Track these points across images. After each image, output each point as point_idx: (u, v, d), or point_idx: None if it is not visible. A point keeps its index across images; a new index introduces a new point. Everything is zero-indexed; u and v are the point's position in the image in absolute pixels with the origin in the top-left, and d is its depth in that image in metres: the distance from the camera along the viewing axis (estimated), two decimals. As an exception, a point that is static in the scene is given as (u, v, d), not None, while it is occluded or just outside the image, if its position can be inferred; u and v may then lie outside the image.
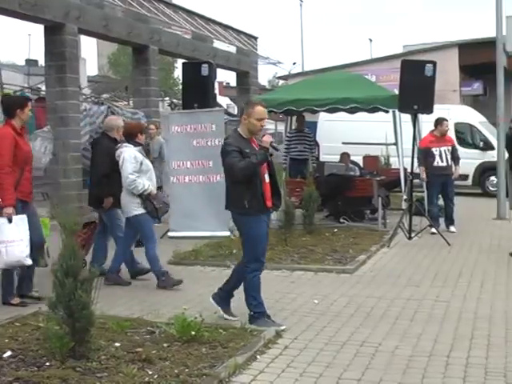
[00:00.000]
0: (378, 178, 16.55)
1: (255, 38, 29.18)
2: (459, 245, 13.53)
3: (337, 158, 18.39)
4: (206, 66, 15.34)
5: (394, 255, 12.57)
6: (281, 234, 12.85)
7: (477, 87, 39.70)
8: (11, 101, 9.30)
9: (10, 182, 8.61)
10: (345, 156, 17.84)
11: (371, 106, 15.85)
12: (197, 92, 15.06)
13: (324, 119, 23.54)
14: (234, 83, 29.11)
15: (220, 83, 41.40)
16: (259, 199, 7.83)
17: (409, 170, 14.91)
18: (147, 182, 9.95)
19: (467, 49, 36.59)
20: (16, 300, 8.96)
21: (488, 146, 23.50)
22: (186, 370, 6.31)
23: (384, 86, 18.76)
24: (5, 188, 8.58)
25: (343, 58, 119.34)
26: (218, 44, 25.16)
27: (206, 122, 14.76)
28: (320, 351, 7.16)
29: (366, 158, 20.62)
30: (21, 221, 8.68)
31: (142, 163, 10.03)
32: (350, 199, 16.05)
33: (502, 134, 17.77)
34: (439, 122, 15.26)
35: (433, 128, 15.33)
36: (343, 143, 21.72)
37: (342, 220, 15.91)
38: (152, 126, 15.69)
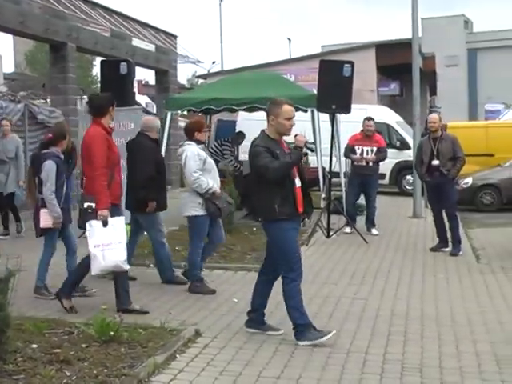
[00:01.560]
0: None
1: (174, 37, 29.09)
2: (376, 243, 13.73)
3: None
4: (124, 64, 15.17)
5: (312, 253, 12.67)
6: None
7: (393, 88, 40.35)
8: (103, 99, 8.86)
9: (104, 185, 8.26)
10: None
11: (290, 105, 15.92)
12: (115, 90, 14.78)
13: (243, 118, 23.57)
14: (153, 82, 28.94)
15: (139, 81, 41.15)
16: (290, 204, 7.35)
17: (327, 169, 15.05)
18: (211, 181, 9.60)
19: (384, 50, 37.15)
20: (134, 306, 8.54)
21: (404, 146, 23.87)
22: (105, 371, 6.27)
23: (303, 86, 18.88)
24: (99, 190, 8.23)
25: (263, 57, 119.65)
26: (136, 42, 24.99)
27: (124, 120, 14.60)
28: (239, 349, 7.18)
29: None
30: (118, 223, 8.37)
31: (205, 161, 9.67)
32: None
33: (417, 134, 18.08)
34: (363, 121, 15.42)
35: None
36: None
37: (260, 219, 15.93)
38: (5, 123, 15.01)
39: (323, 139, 15.85)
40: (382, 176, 22.12)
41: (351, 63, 14.71)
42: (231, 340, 7.50)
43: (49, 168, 9.23)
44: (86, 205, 8.35)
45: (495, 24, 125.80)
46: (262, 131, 7.65)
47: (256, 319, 7.81)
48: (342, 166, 16.85)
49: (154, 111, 28.42)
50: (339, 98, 14.28)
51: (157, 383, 6.18)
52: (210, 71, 47.65)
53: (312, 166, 19.25)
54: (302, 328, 7.36)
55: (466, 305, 9.06)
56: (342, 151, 15.87)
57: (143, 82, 46.85)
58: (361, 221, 15.46)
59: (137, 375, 6.15)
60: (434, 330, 7.88)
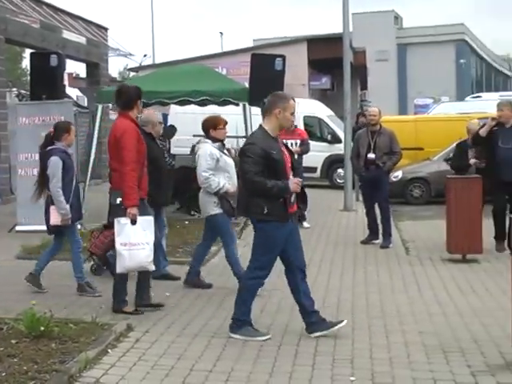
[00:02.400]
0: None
1: (106, 29, 28.81)
2: (308, 236, 13.79)
3: (188, 150, 18.37)
4: (54, 56, 15.03)
5: (244, 245, 12.67)
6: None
7: (325, 82, 40.59)
8: (132, 91, 8.53)
9: (134, 181, 7.99)
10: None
11: (222, 98, 15.92)
12: (45, 83, 14.75)
13: (175, 112, 23.45)
14: (83, 74, 28.64)
15: (69, 74, 40.63)
16: (280, 205, 7.18)
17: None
18: (223, 180, 9.27)
19: (316, 44, 37.34)
20: (129, 308, 8.32)
21: (335, 139, 24.06)
22: (35, 367, 6.21)
23: (234, 79, 18.89)
24: (130, 186, 7.95)
25: (195, 50, 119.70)
26: (67, 34, 24.68)
27: (54, 113, 14.49)
28: (172, 343, 7.18)
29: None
30: (147, 223, 8.15)
31: (218, 160, 9.33)
32: (202, 191, 16.11)
33: (348, 128, 18.27)
34: None
35: None
36: (194, 136, 21.70)
37: (193, 212, 15.94)
38: None
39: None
40: (314, 169, 22.30)
41: (283, 57, 14.78)
42: (163, 334, 7.49)
43: (54, 164, 9.04)
44: (118, 200, 8.08)
45: (424, 20, 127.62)
46: (261, 127, 7.45)
47: (316, 321, 7.51)
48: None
49: (85, 104, 28.15)
50: (271, 92, 14.27)
51: (88, 378, 6.14)
52: (142, 64, 47.38)
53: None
54: (241, 323, 7.39)
55: (395, 296, 9.19)
56: None
57: (74, 75, 46.31)
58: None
59: (68, 371, 6.11)
60: (365, 322, 7.97)
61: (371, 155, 12.74)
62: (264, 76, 14.33)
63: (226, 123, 9.64)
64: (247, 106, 15.78)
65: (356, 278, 10.32)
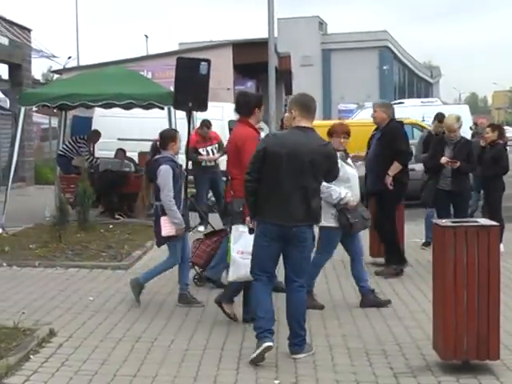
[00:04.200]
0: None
1: (29, 31, 28.37)
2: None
3: (112, 153, 18.25)
4: (-25, 57, 14.78)
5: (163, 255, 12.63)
6: (55, 230, 12.60)
7: (250, 86, 40.61)
8: (252, 98, 8.35)
9: None
10: (120, 152, 17.73)
11: (146, 102, 15.85)
12: (-34, 84, 14.50)
13: (99, 115, 23.20)
14: (6, 76, 28.20)
15: (-9, 75, 39.90)
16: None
17: (184, 167, 15.04)
18: (344, 191, 8.69)
19: (241, 48, 37.37)
20: (229, 308, 8.09)
21: (260, 144, 24.12)
22: (-45, 373, 6.08)
23: (160, 83, 18.81)
24: None
25: (120, 53, 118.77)
26: (-12, 35, 24.26)
27: (-25, 115, 14.26)
28: (95, 348, 7.12)
29: (141, 154, 20.57)
30: None
31: (341, 170, 8.39)
32: (126, 195, 16.05)
33: (273, 131, 18.33)
34: (200, 124, 15.57)
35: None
36: (119, 139, 21.55)
37: (117, 216, 15.84)
38: None
39: (184, 136, 15.83)
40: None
41: (208, 61, 14.74)
42: (86, 339, 7.42)
43: (165, 173, 8.76)
44: (241, 208, 7.87)
45: (349, 26, 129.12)
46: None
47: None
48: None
49: (8, 106, 27.68)
50: (196, 96, 14.28)
51: (9, 385, 6.05)
52: (66, 66, 46.77)
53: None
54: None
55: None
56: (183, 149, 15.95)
57: (-5, 76, 45.52)
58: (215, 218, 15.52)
59: (-12, 377, 6.00)
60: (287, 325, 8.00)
61: None
62: (189, 80, 14.27)
63: (347, 132, 9.21)
64: (172, 109, 15.73)
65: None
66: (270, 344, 6.73)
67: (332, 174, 7.35)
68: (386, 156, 10.51)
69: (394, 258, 10.74)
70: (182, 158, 14.93)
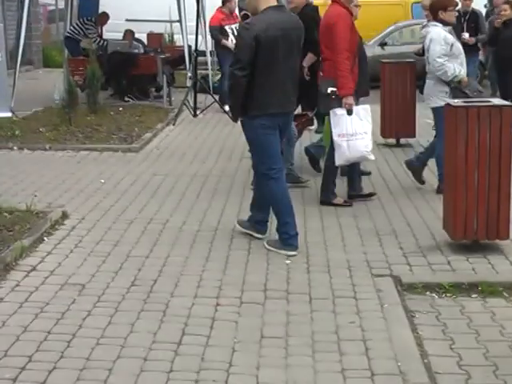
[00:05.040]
0: (162, 56, 16.41)
1: None
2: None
3: (120, 35, 18.01)
4: None
5: (179, 133, 12.65)
6: (64, 113, 12.55)
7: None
8: None
9: (348, 69, 7.58)
10: (128, 33, 17.48)
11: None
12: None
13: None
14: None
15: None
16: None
17: (193, 48, 14.87)
18: (458, 67, 8.33)
19: None
20: (339, 200, 8.08)
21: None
22: (-30, 255, 6.16)
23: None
24: (344, 75, 7.54)
25: None
26: None
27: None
28: (108, 230, 7.19)
29: (150, 35, 20.33)
30: (364, 111, 7.80)
31: (452, 45, 8.35)
32: (135, 77, 15.92)
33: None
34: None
35: (220, 5, 15.25)
36: (126, 20, 21.25)
37: (126, 98, 15.73)
38: None
39: (189, 17, 15.61)
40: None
41: None
42: (99, 221, 7.48)
43: None
44: (329, 90, 7.73)
45: None
46: None
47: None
48: (208, 44, 16.74)
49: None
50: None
51: (25, 267, 6.13)
52: None
53: (178, 44, 19.02)
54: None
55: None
56: (207, 29, 15.69)
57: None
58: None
59: (3, 259, 6.07)
60: (300, 207, 8.05)
61: None
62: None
63: (456, 4, 8.92)
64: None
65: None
66: (294, 253, 6.51)
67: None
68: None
69: None
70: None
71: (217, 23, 14.99)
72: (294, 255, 6.47)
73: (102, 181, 9.21)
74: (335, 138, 7.74)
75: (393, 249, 6.64)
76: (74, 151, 10.88)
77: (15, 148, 10.92)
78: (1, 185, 8.93)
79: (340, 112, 7.68)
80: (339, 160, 7.84)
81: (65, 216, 7.54)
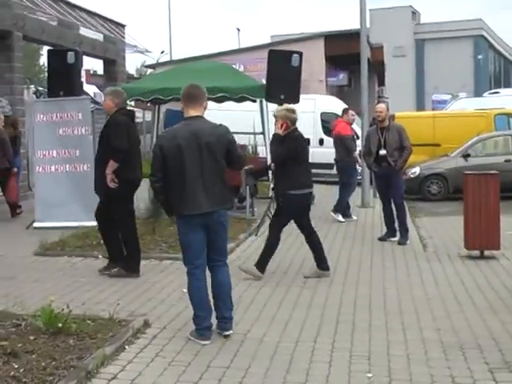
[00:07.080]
0: (245, 167, 16.65)
1: (123, 26, 28.84)
2: (325, 232, 13.76)
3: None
4: (72, 53, 15.08)
5: (262, 243, 12.66)
6: (149, 223, 12.78)
7: (342, 78, 40.45)
8: None
9: None
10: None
11: (239, 95, 15.96)
12: (63, 80, 14.80)
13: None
14: (101, 71, 28.69)
15: (87, 71, 40.70)
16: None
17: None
18: None
19: (333, 40, 37.18)
20: None
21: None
22: (53, 363, 6.23)
23: (251, 76, 18.89)
24: None
25: (212, 47, 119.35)
26: (84, 31, 24.70)
27: (72, 110, 14.52)
28: (189, 340, 7.18)
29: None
30: None
31: None
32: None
33: (366, 125, 18.22)
34: (345, 111, 15.92)
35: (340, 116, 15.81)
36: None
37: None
38: None
39: (272, 129, 15.85)
40: (330, 166, 22.25)
41: (300, 53, 14.77)
42: (180, 330, 7.50)
43: None
44: None
45: (442, 15, 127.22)
46: None
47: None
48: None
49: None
50: (288, 88, 14.34)
51: (106, 375, 6.16)
52: (159, 61, 47.40)
53: (261, 155, 19.30)
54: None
55: (413, 293, 9.15)
56: None
57: (91, 72, 46.42)
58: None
59: (85, 367, 6.12)
60: (382, 318, 7.95)
61: (382, 152, 12.75)
62: (281, 72, 14.33)
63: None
64: (264, 102, 15.79)
65: (373, 273, 10.29)
66: (208, 342, 7.05)
67: (233, 155, 7.39)
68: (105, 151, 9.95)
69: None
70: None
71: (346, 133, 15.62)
72: (208, 344, 6.98)
73: (185, 290, 9.23)
74: None
75: (478, 364, 6.46)
76: (158, 260, 11.01)
77: (100, 256, 11.11)
78: (85, 293, 9.07)
79: None
80: None
81: (146, 325, 7.58)
